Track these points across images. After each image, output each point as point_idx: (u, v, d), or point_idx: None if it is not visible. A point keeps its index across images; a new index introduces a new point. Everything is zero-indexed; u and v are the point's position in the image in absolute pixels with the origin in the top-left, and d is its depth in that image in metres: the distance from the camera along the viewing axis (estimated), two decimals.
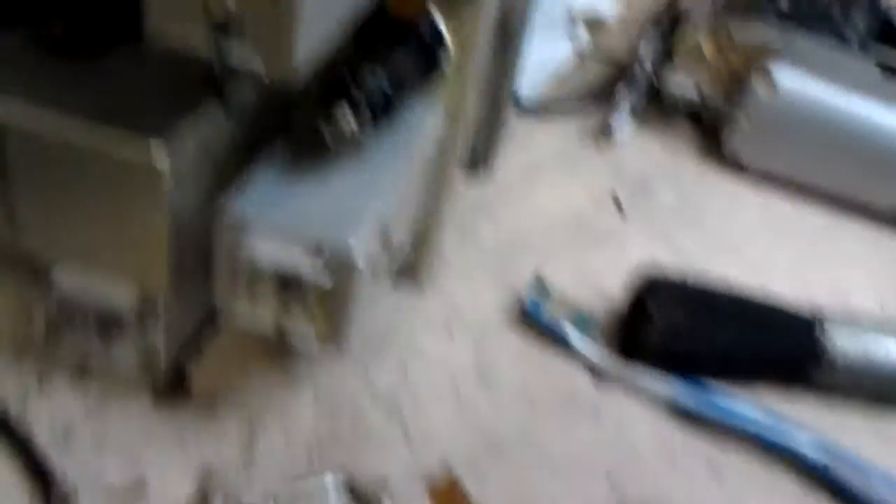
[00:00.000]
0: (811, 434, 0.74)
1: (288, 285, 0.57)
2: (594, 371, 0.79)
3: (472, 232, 0.90)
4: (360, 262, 0.54)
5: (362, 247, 0.55)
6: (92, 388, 0.70)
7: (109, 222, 0.59)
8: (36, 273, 0.66)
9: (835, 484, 0.71)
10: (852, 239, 1.00)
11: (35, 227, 0.62)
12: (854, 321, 0.81)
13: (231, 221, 0.56)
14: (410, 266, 0.81)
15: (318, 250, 0.55)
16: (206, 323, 0.75)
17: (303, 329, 0.58)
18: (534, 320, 0.81)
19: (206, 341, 0.74)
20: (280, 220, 0.56)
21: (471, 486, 0.68)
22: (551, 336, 0.80)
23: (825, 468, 0.71)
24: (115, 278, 0.63)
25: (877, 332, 0.80)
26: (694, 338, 0.77)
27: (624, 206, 0.98)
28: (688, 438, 0.75)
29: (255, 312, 0.59)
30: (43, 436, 0.66)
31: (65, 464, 0.65)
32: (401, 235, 0.68)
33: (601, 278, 0.87)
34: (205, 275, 0.61)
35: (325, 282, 0.55)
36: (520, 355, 0.79)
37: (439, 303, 0.83)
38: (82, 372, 0.70)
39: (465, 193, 0.91)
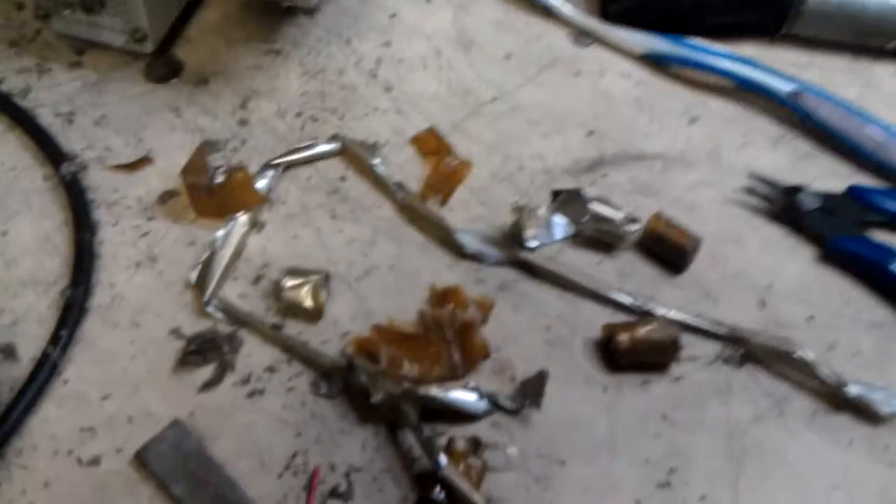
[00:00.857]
0: (787, 77, 0.75)
1: None
2: (574, 32, 0.80)
3: None
4: None
5: None
6: (88, 74, 0.73)
7: None
8: None
9: (803, 113, 0.73)
10: None
11: None
12: None
13: None
14: None
15: None
16: (192, 10, 0.77)
17: None
18: None
19: (193, 25, 0.77)
20: None
21: (453, 139, 0.71)
22: None
23: (794, 95, 0.73)
24: None
25: None
26: None
27: None
28: (665, 90, 0.77)
29: None
30: (48, 119, 0.70)
31: (72, 143, 0.69)
32: None
33: None
34: None
35: None
36: (501, 21, 0.80)
37: None
38: (77, 59, 0.74)
39: None
